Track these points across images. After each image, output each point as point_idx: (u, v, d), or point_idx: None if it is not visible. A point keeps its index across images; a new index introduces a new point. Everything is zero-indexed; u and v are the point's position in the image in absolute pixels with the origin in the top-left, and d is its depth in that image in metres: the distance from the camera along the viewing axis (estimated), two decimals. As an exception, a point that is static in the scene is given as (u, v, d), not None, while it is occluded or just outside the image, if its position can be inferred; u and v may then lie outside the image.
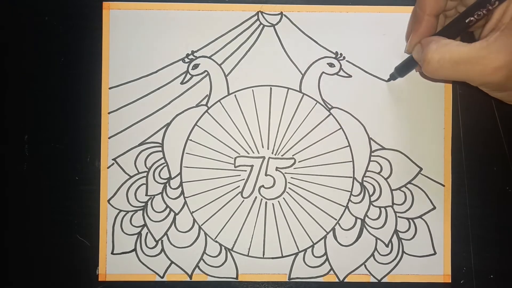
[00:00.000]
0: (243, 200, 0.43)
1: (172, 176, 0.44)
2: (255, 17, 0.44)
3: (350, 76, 0.44)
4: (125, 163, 0.44)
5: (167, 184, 0.44)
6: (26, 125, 0.44)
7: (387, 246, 0.43)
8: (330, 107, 0.44)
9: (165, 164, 0.44)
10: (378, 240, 0.43)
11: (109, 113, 0.44)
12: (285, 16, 0.44)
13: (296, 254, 0.43)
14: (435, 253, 0.43)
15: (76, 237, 0.44)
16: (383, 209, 0.43)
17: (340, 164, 0.43)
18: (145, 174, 0.44)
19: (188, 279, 0.43)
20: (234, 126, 0.44)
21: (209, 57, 0.44)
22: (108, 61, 0.44)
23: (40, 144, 0.44)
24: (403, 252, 0.43)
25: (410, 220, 0.43)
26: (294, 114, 0.44)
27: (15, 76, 0.44)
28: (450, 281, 0.43)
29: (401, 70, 0.42)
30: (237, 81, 0.44)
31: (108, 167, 0.43)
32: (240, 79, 0.44)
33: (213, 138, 0.44)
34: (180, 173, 0.44)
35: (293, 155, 0.44)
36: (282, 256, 0.43)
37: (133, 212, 0.44)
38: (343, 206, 0.43)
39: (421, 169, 0.43)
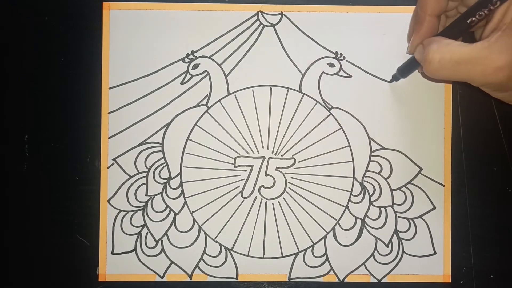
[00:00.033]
0: (243, 200, 0.43)
1: (172, 176, 0.44)
2: (255, 17, 0.44)
3: (350, 76, 0.44)
4: (125, 163, 0.44)
5: (167, 184, 0.44)
6: (26, 125, 0.44)
7: (387, 246, 0.43)
8: (330, 107, 0.44)
9: (165, 164, 0.44)
10: (378, 240, 0.43)
11: (109, 113, 0.44)
12: (285, 16, 0.44)
13: (296, 254, 0.43)
14: (435, 253, 0.43)
15: (76, 237, 0.44)
16: (383, 209, 0.43)
17: (340, 164, 0.43)
18: (145, 174, 0.44)
19: (188, 279, 0.43)
20: (234, 126, 0.44)
21: (209, 57, 0.44)
22: (108, 61, 0.44)
23: (40, 144, 0.44)
24: (403, 252, 0.43)
25: (410, 220, 0.43)
26: (294, 114, 0.44)
27: (15, 76, 0.44)
28: (450, 281, 0.43)
29: (403, 71, 0.42)
30: (237, 81, 0.44)
31: (108, 167, 0.43)
32: (240, 79, 0.44)
33: (213, 138, 0.44)
34: (180, 173, 0.44)
35: (293, 155, 0.44)
36: (282, 256, 0.43)
37: (133, 212, 0.44)
38: (343, 206, 0.43)
39: (421, 169, 0.43)
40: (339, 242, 0.43)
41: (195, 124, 0.44)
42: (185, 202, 0.43)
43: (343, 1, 0.44)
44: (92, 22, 0.44)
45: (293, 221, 0.43)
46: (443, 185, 0.43)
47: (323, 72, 0.44)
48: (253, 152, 0.44)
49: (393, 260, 0.43)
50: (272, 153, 0.44)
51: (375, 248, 0.43)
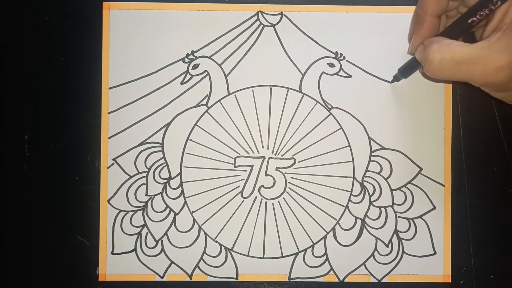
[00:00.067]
0: (243, 200, 0.43)
1: (172, 176, 0.44)
2: (255, 17, 0.44)
3: (350, 76, 0.44)
4: (125, 163, 0.44)
5: (167, 184, 0.44)
6: (26, 125, 0.44)
7: (387, 246, 0.43)
8: (330, 107, 0.44)
9: (165, 164, 0.44)
10: (378, 240, 0.43)
11: (109, 113, 0.44)
12: (285, 16, 0.44)
13: (296, 254, 0.43)
14: (435, 253, 0.43)
15: (76, 237, 0.44)
16: (383, 209, 0.43)
17: (340, 164, 0.43)
18: (145, 174, 0.44)
19: (188, 279, 0.43)
20: (234, 126, 0.44)
21: (209, 57, 0.44)
22: (108, 61, 0.44)
23: (40, 144, 0.44)
24: (403, 252, 0.43)
25: (410, 220, 0.43)
26: (294, 114, 0.44)
27: (15, 76, 0.44)
28: (450, 281, 0.43)
29: (405, 71, 0.42)
30: (237, 81, 0.44)
31: (108, 167, 0.43)
32: (240, 79, 0.44)
33: (213, 138, 0.44)
34: (180, 173, 0.44)
35: (293, 155, 0.44)
36: (282, 256, 0.43)
37: (133, 212, 0.44)
38: (343, 206, 0.43)
39: (421, 169, 0.43)
40: (339, 242, 0.43)
41: (195, 124, 0.44)
42: (185, 202, 0.43)
43: (343, 1, 0.44)
44: (92, 22, 0.44)
45: (293, 221, 0.43)
46: (443, 185, 0.43)
47: (323, 72, 0.44)
48: (253, 152, 0.44)
49: (393, 260, 0.43)
50: (272, 153, 0.44)
51: (375, 248, 0.43)
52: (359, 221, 0.43)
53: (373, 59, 0.44)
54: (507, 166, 0.44)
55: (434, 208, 0.43)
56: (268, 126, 0.44)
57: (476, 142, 0.44)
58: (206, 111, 0.44)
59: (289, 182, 0.44)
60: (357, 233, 0.43)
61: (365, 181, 0.43)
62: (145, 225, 0.44)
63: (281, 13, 0.44)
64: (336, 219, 0.43)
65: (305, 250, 0.43)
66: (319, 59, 0.44)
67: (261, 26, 0.44)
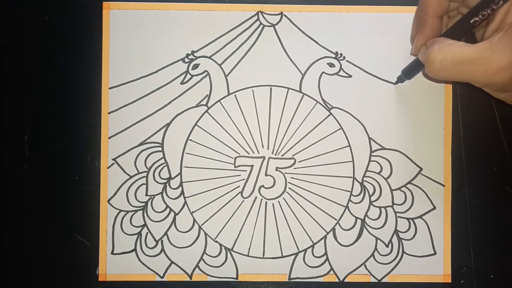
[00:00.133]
0: (243, 200, 0.43)
1: (172, 176, 0.44)
2: (255, 17, 0.44)
3: (350, 76, 0.44)
4: (125, 163, 0.44)
5: (167, 184, 0.44)
6: (26, 125, 0.44)
7: (387, 246, 0.43)
8: (330, 107, 0.44)
9: (165, 164, 0.44)
10: (378, 240, 0.43)
11: (109, 113, 0.44)
12: (285, 16, 0.44)
13: (296, 254, 0.43)
14: (435, 253, 0.43)
15: (76, 237, 0.44)
16: (383, 209, 0.43)
17: (340, 164, 0.43)
18: (145, 174, 0.44)
19: (188, 279, 0.43)
20: (234, 126, 0.44)
21: (209, 57, 0.44)
22: (108, 61, 0.44)
23: (40, 144, 0.44)
24: (403, 252, 0.43)
25: (410, 220, 0.43)
26: (294, 114, 0.44)
27: (15, 76, 0.44)
28: (450, 281, 0.43)
29: (408, 72, 0.42)
30: (237, 81, 0.44)
31: (108, 167, 0.43)
32: (240, 79, 0.44)
33: (213, 138, 0.44)
34: (180, 173, 0.44)
35: (293, 155, 0.44)
36: (282, 256, 0.43)
37: (133, 212, 0.44)
38: (343, 206, 0.43)
39: (421, 169, 0.43)
40: (339, 242, 0.43)
41: (195, 124, 0.44)
42: (185, 202, 0.43)
43: (343, 1, 0.44)
44: (92, 22, 0.44)
45: (293, 221, 0.43)
46: (443, 185, 0.43)
47: (323, 72, 0.44)
48: (253, 152, 0.44)
49: (393, 260, 0.43)
50: (272, 153, 0.44)
51: (375, 248, 0.43)
52: (359, 221, 0.43)
53: (373, 59, 0.44)
54: (507, 166, 0.44)
55: (434, 208, 0.43)
56: (268, 126, 0.44)
57: (476, 142, 0.44)
58: (206, 111, 0.44)
59: (289, 182, 0.43)
60: (357, 233, 0.43)
61: (365, 181, 0.43)
62: (145, 225, 0.44)
63: (281, 13, 0.44)
64: (336, 219, 0.43)
65: (305, 250, 0.43)
66: (319, 59, 0.44)
67: (261, 26, 0.44)
